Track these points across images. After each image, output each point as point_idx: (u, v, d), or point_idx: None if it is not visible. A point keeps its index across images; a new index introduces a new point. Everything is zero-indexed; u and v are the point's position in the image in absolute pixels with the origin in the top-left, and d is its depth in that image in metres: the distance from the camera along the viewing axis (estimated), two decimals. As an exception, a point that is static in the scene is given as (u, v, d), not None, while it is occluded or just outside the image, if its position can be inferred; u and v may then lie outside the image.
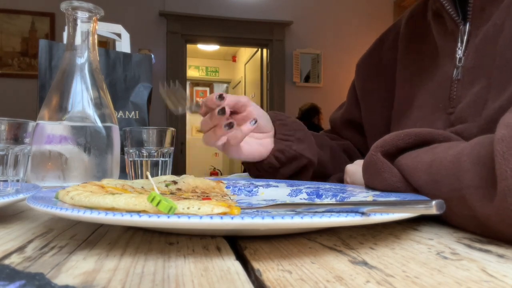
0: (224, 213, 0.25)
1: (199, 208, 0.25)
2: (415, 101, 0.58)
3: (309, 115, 3.51)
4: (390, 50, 0.68)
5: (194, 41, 4.17)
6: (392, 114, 0.64)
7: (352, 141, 0.76)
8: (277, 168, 0.61)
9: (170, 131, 0.64)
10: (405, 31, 0.64)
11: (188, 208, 0.26)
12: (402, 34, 0.65)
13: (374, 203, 0.27)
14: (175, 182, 0.47)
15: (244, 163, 0.66)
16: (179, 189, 0.46)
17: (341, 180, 0.60)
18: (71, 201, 0.29)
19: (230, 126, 0.53)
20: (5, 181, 0.46)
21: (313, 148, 0.64)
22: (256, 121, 0.55)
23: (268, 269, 0.21)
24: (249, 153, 0.60)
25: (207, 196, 0.44)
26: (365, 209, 0.25)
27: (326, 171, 0.68)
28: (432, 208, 0.21)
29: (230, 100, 0.54)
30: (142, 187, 0.43)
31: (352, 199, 0.41)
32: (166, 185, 0.46)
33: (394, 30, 0.69)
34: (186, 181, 0.48)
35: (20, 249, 0.24)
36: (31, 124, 0.48)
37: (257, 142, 0.61)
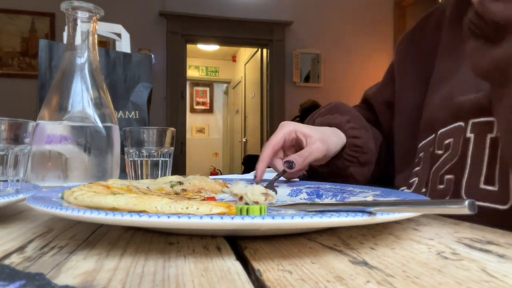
0: (223, 213, 0.25)
1: (197, 208, 0.25)
2: (461, 68, 0.57)
3: (310, 112, 3.52)
4: (432, 30, 0.66)
5: (194, 41, 4.17)
6: (428, 88, 0.63)
7: (385, 124, 0.75)
8: (324, 172, 0.63)
9: (170, 131, 0.64)
10: (454, 11, 0.62)
11: (187, 208, 0.26)
12: (450, 13, 0.63)
13: (398, 202, 0.26)
14: (180, 183, 0.47)
15: None
16: (184, 190, 0.46)
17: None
18: (75, 201, 0.29)
19: (290, 166, 0.54)
20: (5, 181, 0.46)
21: (369, 172, 0.65)
22: (290, 166, 0.55)
23: (268, 269, 0.21)
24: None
25: (211, 196, 0.44)
26: (395, 208, 0.25)
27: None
28: (465, 207, 0.21)
29: (300, 168, 0.54)
30: (147, 187, 0.43)
31: (352, 199, 0.41)
32: (171, 186, 0.46)
33: (438, 11, 0.67)
34: (192, 182, 0.48)
35: (20, 249, 0.24)
36: (31, 124, 0.48)
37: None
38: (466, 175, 0.48)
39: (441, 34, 0.64)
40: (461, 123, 0.52)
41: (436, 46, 0.64)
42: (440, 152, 0.54)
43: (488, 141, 0.48)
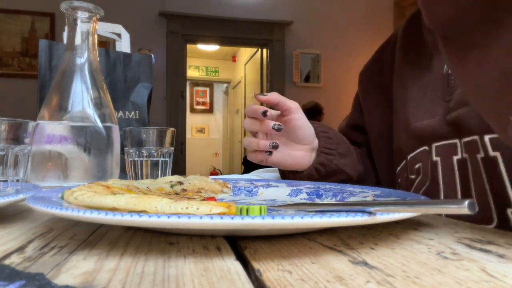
0: (223, 213, 0.25)
1: (197, 208, 0.25)
2: (413, 93, 0.59)
3: (312, 114, 3.52)
4: (389, 58, 0.69)
5: (194, 41, 4.17)
6: (393, 115, 0.64)
7: (362, 144, 0.77)
8: (315, 180, 0.62)
9: (170, 131, 0.64)
10: (402, 38, 0.65)
11: (187, 208, 0.26)
12: (400, 42, 0.66)
13: (397, 203, 0.26)
14: (180, 183, 0.47)
15: (281, 170, 0.67)
16: (184, 190, 0.46)
17: None
18: (75, 201, 0.29)
19: (264, 114, 0.54)
20: (5, 181, 0.46)
21: (355, 163, 0.64)
22: (279, 128, 0.55)
23: (268, 269, 0.21)
24: (290, 164, 0.61)
25: (211, 196, 0.44)
26: (395, 207, 0.25)
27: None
28: (465, 207, 0.21)
29: (273, 98, 0.55)
30: (147, 187, 0.43)
31: (352, 199, 0.41)
32: (171, 186, 0.46)
33: (393, 39, 0.69)
34: (192, 182, 0.48)
35: (20, 249, 0.24)
36: (31, 124, 0.48)
37: (299, 154, 0.61)
38: (442, 198, 0.49)
39: (395, 63, 0.66)
40: (426, 147, 0.53)
41: (393, 73, 0.66)
42: (413, 177, 0.56)
43: (455, 163, 0.49)
